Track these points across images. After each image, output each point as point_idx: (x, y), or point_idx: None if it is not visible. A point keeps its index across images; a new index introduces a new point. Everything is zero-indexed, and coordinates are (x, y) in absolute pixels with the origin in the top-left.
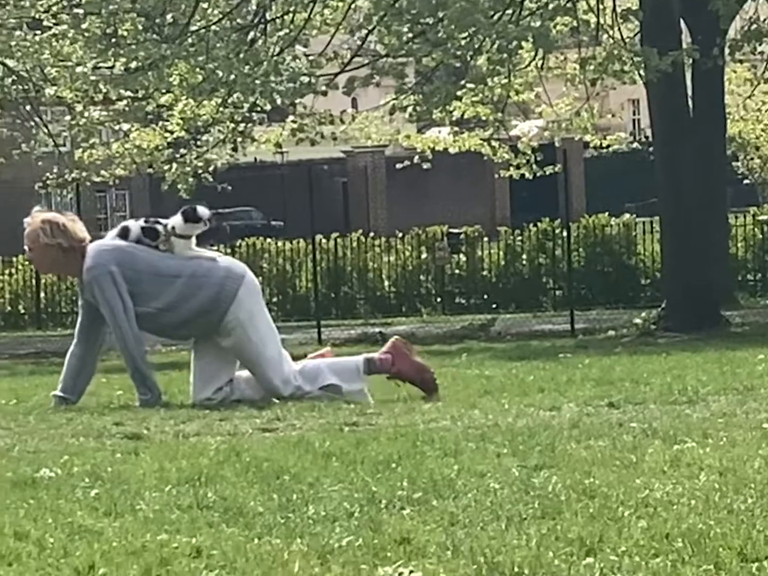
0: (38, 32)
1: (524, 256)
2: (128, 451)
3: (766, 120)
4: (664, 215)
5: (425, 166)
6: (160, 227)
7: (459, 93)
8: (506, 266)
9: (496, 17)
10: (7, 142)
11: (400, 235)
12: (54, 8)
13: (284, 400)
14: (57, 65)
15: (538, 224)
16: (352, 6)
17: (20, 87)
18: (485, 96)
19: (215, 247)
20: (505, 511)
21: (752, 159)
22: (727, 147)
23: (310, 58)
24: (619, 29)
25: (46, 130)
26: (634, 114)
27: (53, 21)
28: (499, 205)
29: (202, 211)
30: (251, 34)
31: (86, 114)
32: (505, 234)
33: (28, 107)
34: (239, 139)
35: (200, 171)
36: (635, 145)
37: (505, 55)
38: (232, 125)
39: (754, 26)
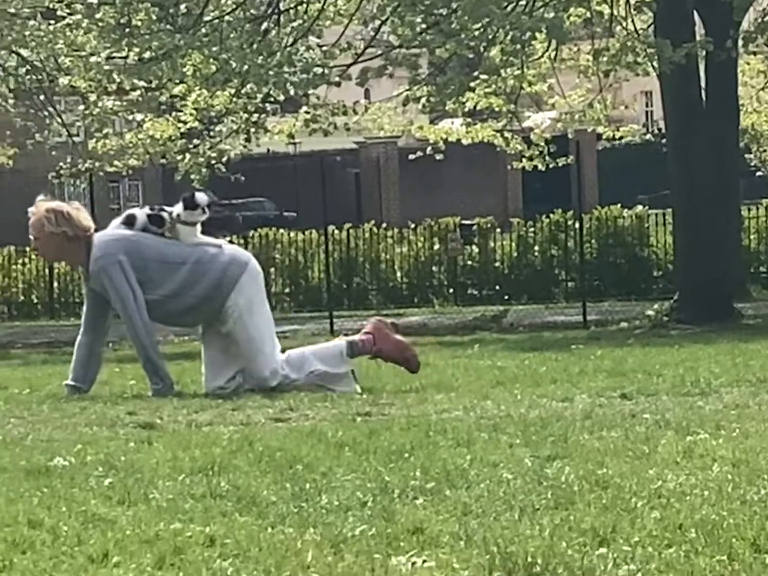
0: (52, 22)
1: (536, 248)
2: (141, 440)
3: None
4: (676, 207)
5: (438, 157)
6: (165, 214)
7: (472, 84)
8: (518, 257)
9: (509, 8)
10: (21, 132)
11: (413, 226)
12: None
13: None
14: (71, 55)
15: (551, 216)
16: None
17: (34, 77)
18: (498, 87)
19: (228, 238)
20: (518, 502)
21: (765, 151)
22: (740, 139)
23: (324, 48)
24: (632, 20)
25: (59, 120)
26: (646, 106)
27: (67, 11)
28: (512, 196)
29: (200, 197)
30: (265, 25)
31: (100, 104)
32: (518, 225)
33: (41, 97)
34: (252, 130)
35: (213, 161)
36: (648, 136)
37: (518, 46)
38: (246, 116)
39: None
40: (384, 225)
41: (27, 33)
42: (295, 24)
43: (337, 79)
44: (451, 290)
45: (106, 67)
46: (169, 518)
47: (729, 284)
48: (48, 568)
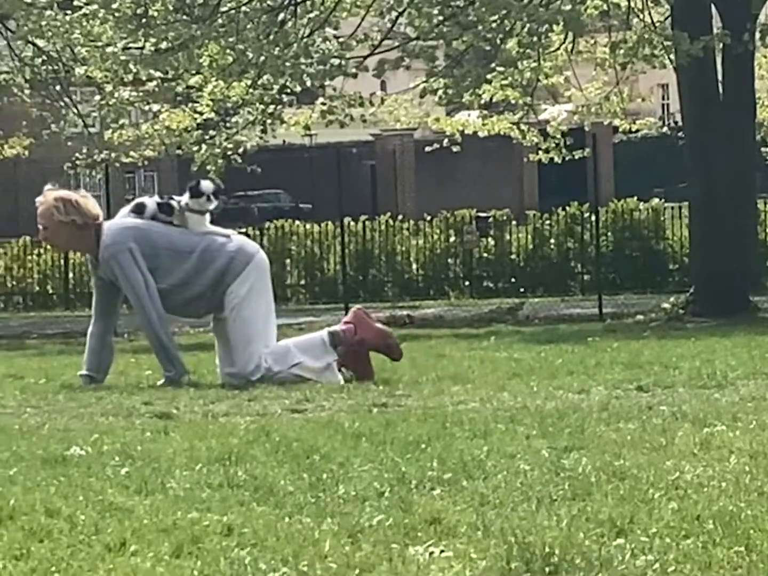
0: (68, 12)
1: (552, 240)
2: (158, 430)
3: None
4: (693, 200)
5: (454, 149)
6: (174, 203)
7: (489, 76)
8: (534, 250)
9: (526, 0)
10: (37, 122)
11: (429, 218)
12: None
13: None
14: (87, 45)
15: (567, 208)
16: None
17: (50, 67)
18: (515, 79)
19: (243, 230)
20: (536, 492)
21: None
22: (757, 132)
23: (340, 40)
24: (649, 13)
25: (75, 111)
26: (663, 99)
27: (83, 1)
28: (528, 189)
29: (206, 185)
30: (281, 16)
31: (116, 94)
32: (534, 218)
33: (57, 87)
34: (268, 121)
35: (229, 153)
36: (664, 129)
37: (535, 39)
38: (262, 107)
39: None
40: (400, 217)
41: (43, 23)
42: (311, 15)
43: (353, 70)
44: (466, 282)
45: (123, 58)
46: (186, 507)
47: (745, 278)
48: (65, 556)
